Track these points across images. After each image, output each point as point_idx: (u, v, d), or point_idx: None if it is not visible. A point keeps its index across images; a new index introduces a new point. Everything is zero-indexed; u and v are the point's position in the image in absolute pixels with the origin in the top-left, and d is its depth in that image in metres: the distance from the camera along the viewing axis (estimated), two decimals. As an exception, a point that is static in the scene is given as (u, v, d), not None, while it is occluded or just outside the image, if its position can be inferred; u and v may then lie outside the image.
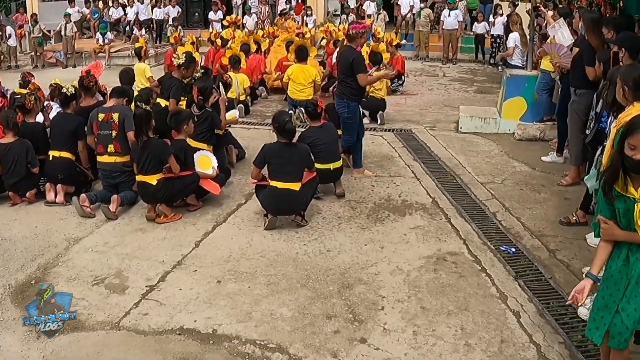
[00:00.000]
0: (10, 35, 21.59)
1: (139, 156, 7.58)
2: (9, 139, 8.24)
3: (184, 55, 9.66)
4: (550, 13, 11.04)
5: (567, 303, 4.94)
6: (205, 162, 8.14)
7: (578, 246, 6.79)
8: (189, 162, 7.84)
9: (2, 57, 21.81)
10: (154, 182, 7.55)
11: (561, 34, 9.33)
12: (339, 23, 19.91)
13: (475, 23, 20.67)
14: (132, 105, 8.44)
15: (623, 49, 6.87)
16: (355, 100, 8.84)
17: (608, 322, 4.25)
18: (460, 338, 5.18)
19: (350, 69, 8.59)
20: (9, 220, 7.82)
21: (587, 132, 7.34)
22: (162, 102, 9.26)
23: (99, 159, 8.14)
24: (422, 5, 21.49)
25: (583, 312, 5.32)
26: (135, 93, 9.13)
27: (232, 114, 9.86)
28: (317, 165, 7.79)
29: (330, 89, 10.01)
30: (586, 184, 6.66)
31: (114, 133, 7.97)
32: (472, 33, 21.12)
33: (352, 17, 21.75)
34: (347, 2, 23.76)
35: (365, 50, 14.03)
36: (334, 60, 14.38)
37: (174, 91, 9.24)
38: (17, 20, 22.99)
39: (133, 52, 17.59)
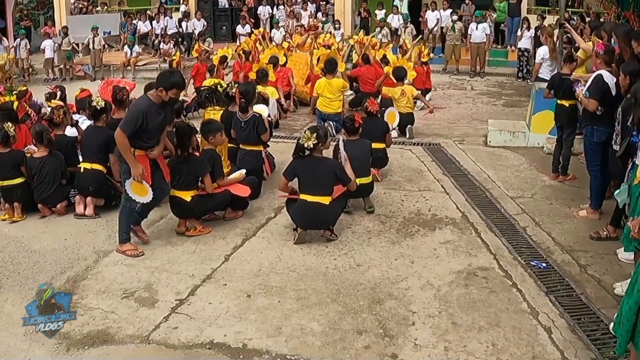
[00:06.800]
0: (45, 49, 21.62)
1: (177, 171, 7.48)
2: (42, 153, 8.33)
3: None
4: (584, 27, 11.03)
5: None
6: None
7: (609, 261, 6.72)
8: (217, 172, 7.80)
9: (31, 70, 21.90)
10: (188, 199, 7.52)
11: None
12: (372, 36, 19.36)
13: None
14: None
15: None
16: None
17: None
18: (491, 354, 5.13)
19: None
20: (38, 233, 7.87)
21: (616, 147, 7.19)
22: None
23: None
24: (454, 17, 21.22)
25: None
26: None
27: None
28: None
29: (363, 103, 9.79)
30: (617, 199, 6.56)
31: None
32: (499, 47, 20.80)
33: (385, 30, 21.55)
34: (376, 16, 23.63)
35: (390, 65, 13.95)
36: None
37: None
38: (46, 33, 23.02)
39: (160, 65, 17.66)
